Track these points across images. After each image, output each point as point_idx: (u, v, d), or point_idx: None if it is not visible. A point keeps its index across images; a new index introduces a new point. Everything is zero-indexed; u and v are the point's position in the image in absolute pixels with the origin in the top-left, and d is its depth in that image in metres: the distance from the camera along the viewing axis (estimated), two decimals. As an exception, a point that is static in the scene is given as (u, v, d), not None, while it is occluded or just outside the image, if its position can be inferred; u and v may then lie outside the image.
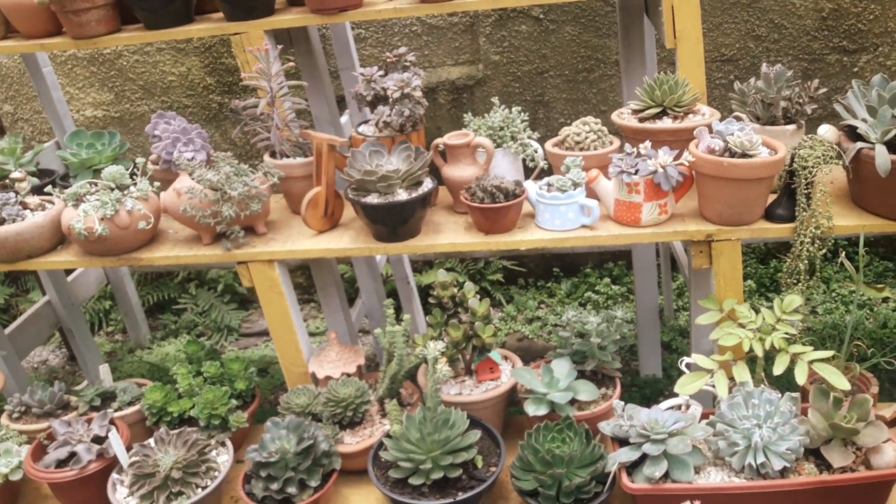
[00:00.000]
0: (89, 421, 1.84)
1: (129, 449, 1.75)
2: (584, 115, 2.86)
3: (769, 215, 1.70)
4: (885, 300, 2.68)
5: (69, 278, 2.72)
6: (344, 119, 2.54)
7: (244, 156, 3.01)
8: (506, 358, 1.96)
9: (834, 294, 2.74)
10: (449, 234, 1.82)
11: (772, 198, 1.72)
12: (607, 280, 2.96)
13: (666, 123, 1.79)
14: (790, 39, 2.68)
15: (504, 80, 2.86)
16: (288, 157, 1.94)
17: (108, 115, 3.05)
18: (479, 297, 1.81)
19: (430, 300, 1.85)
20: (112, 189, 1.84)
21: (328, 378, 1.87)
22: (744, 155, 1.61)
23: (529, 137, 1.92)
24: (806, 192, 1.63)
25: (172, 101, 2.99)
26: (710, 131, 1.69)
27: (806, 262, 1.67)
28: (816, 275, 1.70)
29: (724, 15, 2.67)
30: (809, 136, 1.67)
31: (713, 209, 1.70)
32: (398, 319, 1.86)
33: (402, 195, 1.76)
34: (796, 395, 1.53)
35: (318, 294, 2.19)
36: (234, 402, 1.85)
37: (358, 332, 2.64)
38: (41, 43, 2.02)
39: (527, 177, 1.94)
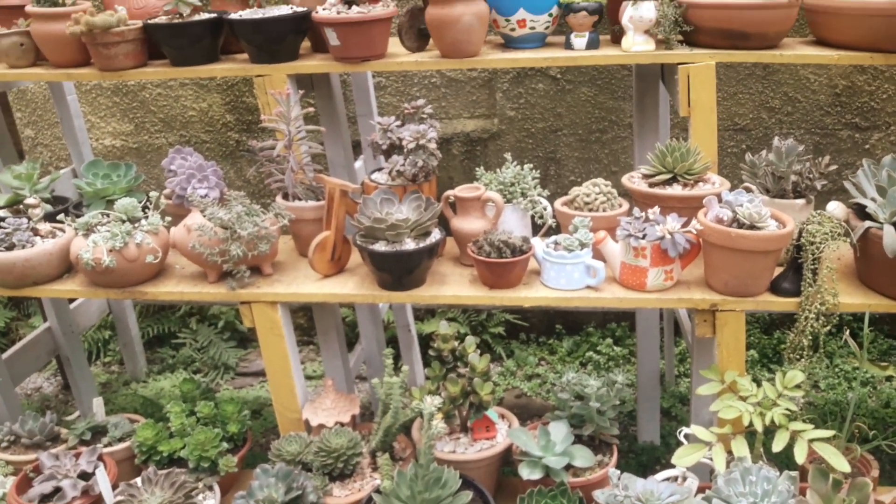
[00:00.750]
0: (78, 455, 1.82)
1: (115, 487, 1.72)
2: (596, 175, 2.89)
3: (775, 288, 1.70)
4: (889, 379, 2.65)
5: (72, 306, 2.72)
6: (358, 164, 2.56)
7: (257, 193, 3.04)
8: (502, 417, 1.94)
9: (837, 369, 2.71)
10: (454, 286, 1.82)
11: (778, 270, 1.72)
12: (609, 341, 2.94)
13: (676, 190, 1.80)
14: (803, 113, 2.71)
15: (518, 136, 2.90)
16: (300, 199, 1.96)
17: (126, 146, 3.09)
18: (479, 351, 1.80)
19: (431, 352, 1.84)
20: (123, 221, 1.85)
21: (321, 426, 1.85)
22: (752, 227, 1.62)
23: (539, 195, 1.94)
24: (812, 267, 1.63)
25: (191, 136, 3.04)
26: (720, 200, 1.70)
27: (810, 337, 1.66)
28: (820, 350, 1.69)
29: (738, 85, 2.71)
30: (818, 211, 1.68)
31: (719, 279, 1.69)
32: (396, 369, 1.85)
33: (409, 244, 1.76)
34: (795, 474, 1.50)
35: (317, 337, 2.18)
36: (225, 444, 1.83)
37: (355, 378, 2.62)
38: (68, 72, 2.07)
39: (535, 233, 1.95)
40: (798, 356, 1.68)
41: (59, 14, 1.98)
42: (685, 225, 1.69)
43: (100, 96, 3.04)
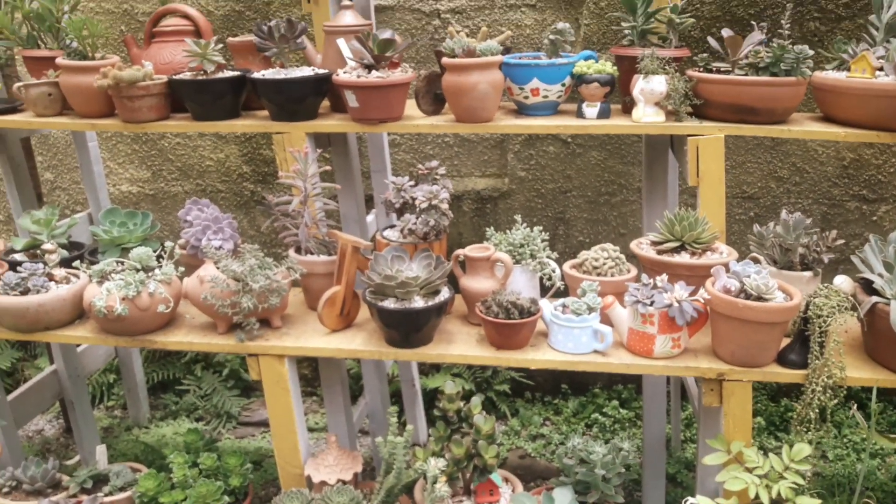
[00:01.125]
0: None
1: (114, 536, 1.71)
2: (604, 236, 2.92)
3: (782, 360, 1.70)
4: (899, 452, 2.62)
5: (79, 349, 2.73)
6: (370, 218, 2.60)
7: (269, 243, 3.07)
8: (506, 480, 1.92)
9: (846, 440, 2.68)
10: (461, 345, 1.83)
11: (785, 342, 1.72)
12: (616, 403, 2.92)
13: (684, 258, 1.82)
14: (811, 183, 2.75)
15: (528, 196, 2.94)
16: (312, 253, 1.99)
17: (142, 192, 3.15)
18: (484, 413, 1.80)
19: (436, 411, 1.84)
20: (137, 270, 1.88)
21: (323, 483, 1.84)
22: (759, 298, 1.63)
23: (548, 257, 1.96)
24: (820, 340, 1.64)
25: (207, 185, 3.09)
26: (728, 270, 1.71)
27: (817, 410, 1.65)
28: (827, 423, 1.68)
29: (747, 154, 2.76)
30: (825, 285, 1.69)
31: (726, 348, 1.70)
32: (400, 426, 1.84)
33: (418, 302, 1.78)
34: (804, 552, 1.48)
35: (321, 389, 2.18)
36: (226, 498, 1.82)
37: (357, 433, 2.60)
38: (93, 123, 2.12)
39: (543, 294, 1.97)
40: (805, 429, 1.67)
41: (88, 67, 2.05)
42: (693, 293, 1.70)
43: (119, 143, 3.11)
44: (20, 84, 2.12)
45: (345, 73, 1.98)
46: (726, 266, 1.72)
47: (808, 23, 2.59)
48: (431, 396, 2.98)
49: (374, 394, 2.62)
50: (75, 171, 3.18)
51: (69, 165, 3.18)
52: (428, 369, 3.08)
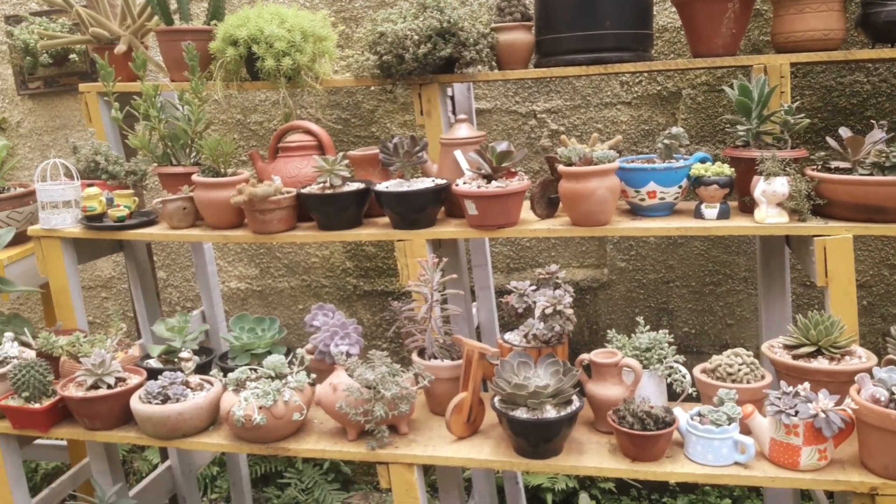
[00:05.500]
0: None
1: None
2: (710, 327, 2.88)
3: (940, 473, 1.62)
4: None
5: (194, 445, 2.80)
6: (472, 310, 2.64)
7: (369, 336, 3.13)
8: None
9: None
10: (593, 455, 1.81)
11: (941, 453, 1.64)
12: (728, 501, 2.80)
13: (822, 364, 1.77)
14: (926, 271, 2.67)
15: (629, 286, 2.94)
16: (437, 358, 2.02)
17: (250, 289, 3.27)
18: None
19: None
20: (272, 378, 1.94)
21: None
22: (912, 409, 1.57)
23: (676, 361, 1.94)
24: (983, 454, 1.56)
25: (312, 281, 3.19)
26: (871, 377, 1.66)
27: None
28: None
29: (857, 242, 2.69)
30: (982, 393, 1.62)
31: (878, 461, 1.63)
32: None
33: (550, 412, 1.78)
34: None
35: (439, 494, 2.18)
36: None
37: (471, 534, 2.56)
38: (225, 234, 2.24)
39: (670, 398, 1.94)
40: (973, 550, 1.57)
41: (222, 183, 2.18)
42: (838, 402, 1.65)
43: (230, 242, 3.26)
44: (159, 200, 2.27)
45: (464, 183, 2.05)
46: (869, 372, 1.68)
47: (913, 111, 2.58)
48: (533, 493, 2.93)
49: (484, 494, 2.59)
50: (186, 270, 3.34)
51: (181, 264, 3.35)
52: (530, 464, 3.04)
